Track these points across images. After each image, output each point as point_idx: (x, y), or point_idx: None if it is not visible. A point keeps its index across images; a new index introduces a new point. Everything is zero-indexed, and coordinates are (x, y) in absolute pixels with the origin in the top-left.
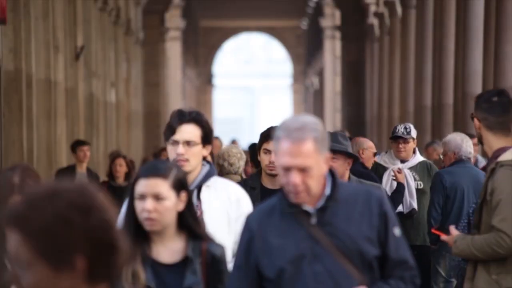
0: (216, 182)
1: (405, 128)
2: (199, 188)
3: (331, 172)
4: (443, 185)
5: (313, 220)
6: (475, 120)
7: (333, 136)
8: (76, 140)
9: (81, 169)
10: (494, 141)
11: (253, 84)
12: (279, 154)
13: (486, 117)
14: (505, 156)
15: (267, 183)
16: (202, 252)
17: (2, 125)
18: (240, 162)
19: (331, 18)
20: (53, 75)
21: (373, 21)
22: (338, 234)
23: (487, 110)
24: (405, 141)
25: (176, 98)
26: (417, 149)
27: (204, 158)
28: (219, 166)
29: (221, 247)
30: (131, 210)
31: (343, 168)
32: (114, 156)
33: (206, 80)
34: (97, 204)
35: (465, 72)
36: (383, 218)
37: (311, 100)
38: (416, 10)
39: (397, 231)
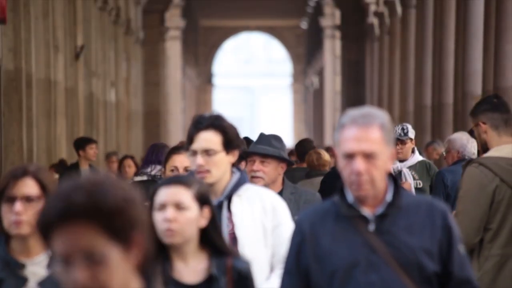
0: (248, 190)
1: (403, 129)
2: (229, 198)
3: (393, 178)
4: (444, 184)
5: (371, 227)
6: (481, 125)
7: (265, 139)
8: (83, 138)
9: (85, 167)
10: (495, 141)
11: (253, 83)
12: (342, 142)
13: (492, 116)
14: (486, 154)
15: None
16: (228, 269)
17: (2, 124)
18: None
19: (331, 17)
20: (53, 75)
21: (373, 20)
22: (397, 244)
23: (491, 110)
24: (403, 142)
25: (176, 98)
26: (416, 148)
27: (234, 165)
28: None
29: (247, 263)
30: (149, 225)
31: (275, 173)
32: (122, 158)
33: (206, 80)
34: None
35: (465, 71)
36: (447, 232)
37: (311, 99)
38: (416, 9)
39: (462, 248)
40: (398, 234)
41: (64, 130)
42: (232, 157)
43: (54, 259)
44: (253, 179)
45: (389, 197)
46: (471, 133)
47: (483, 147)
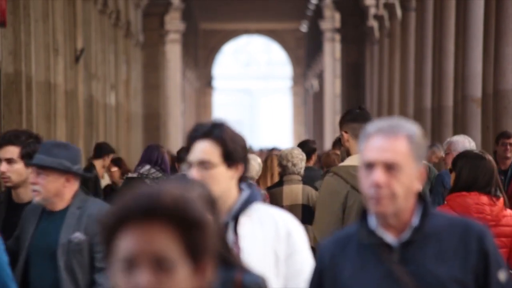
0: (260, 211)
1: None
2: (236, 218)
3: (423, 200)
4: (444, 186)
5: (396, 256)
6: (343, 134)
7: (45, 148)
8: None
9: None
10: (355, 149)
11: (253, 86)
12: (364, 152)
13: (352, 125)
14: (342, 163)
15: (15, 196)
16: (236, 286)
17: (1, 127)
18: (302, 163)
19: (331, 20)
20: (53, 78)
21: (373, 23)
22: (424, 275)
23: (352, 120)
24: None
25: (176, 101)
26: None
27: (243, 180)
28: (282, 167)
29: (260, 278)
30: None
31: (56, 185)
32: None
33: (206, 83)
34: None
35: (465, 74)
36: (483, 258)
37: (311, 102)
38: (416, 12)
39: (502, 276)
40: (426, 263)
41: (64, 132)
42: (236, 172)
43: (114, 262)
44: (32, 193)
45: (415, 221)
46: (339, 141)
47: (348, 155)
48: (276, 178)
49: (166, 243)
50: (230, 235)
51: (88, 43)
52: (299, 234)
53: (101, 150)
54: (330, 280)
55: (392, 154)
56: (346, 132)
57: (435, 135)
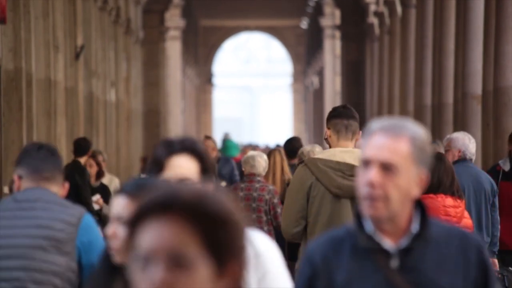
0: None
1: None
2: None
3: (421, 206)
4: None
5: (394, 263)
6: (327, 130)
7: None
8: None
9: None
10: (335, 144)
11: (253, 83)
12: (363, 149)
13: (335, 122)
14: (317, 155)
15: None
16: None
17: (2, 124)
18: None
19: (331, 17)
20: (53, 75)
21: (373, 20)
22: (425, 284)
23: (334, 117)
24: None
25: (176, 98)
26: None
27: None
28: None
29: None
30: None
31: None
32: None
33: (206, 80)
34: None
35: (465, 71)
36: (483, 270)
37: (311, 99)
38: (416, 9)
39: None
40: (427, 272)
41: (64, 130)
42: None
43: (134, 255)
44: None
45: (415, 227)
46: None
47: None
48: (278, 177)
49: (184, 239)
50: None
51: (88, 40)
52: (270, 254)
53: (86, 146)
54: (324, 283)
55: (390, 154)
56: (329, 128)
57: (436, 133)
